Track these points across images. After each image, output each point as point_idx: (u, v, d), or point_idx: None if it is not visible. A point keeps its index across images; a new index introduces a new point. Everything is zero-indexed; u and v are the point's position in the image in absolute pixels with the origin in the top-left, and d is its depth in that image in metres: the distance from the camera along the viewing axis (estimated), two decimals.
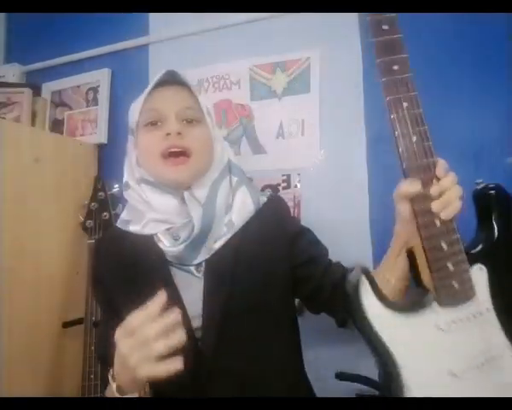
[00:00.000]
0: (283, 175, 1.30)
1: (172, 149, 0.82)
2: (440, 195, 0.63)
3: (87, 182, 1.41)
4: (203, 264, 0.84)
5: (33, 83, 1.63)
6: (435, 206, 0.62)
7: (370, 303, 0.62)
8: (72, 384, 1.30)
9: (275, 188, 1.29)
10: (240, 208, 0.88)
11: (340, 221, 1.21)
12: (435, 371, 0.61)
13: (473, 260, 0.64)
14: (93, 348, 1.23)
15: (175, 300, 0.81)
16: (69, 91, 1.60)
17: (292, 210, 1.23)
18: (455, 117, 1.14)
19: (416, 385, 0.60)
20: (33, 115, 1.57)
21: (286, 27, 1.32)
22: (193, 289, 0.83)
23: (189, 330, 0.79)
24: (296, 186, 1.29)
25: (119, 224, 0.92)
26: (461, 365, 0.60)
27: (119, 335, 0.64)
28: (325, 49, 1.28)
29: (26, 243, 1.24)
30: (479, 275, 0.63)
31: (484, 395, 0.59)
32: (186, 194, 0.85)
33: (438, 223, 0.62)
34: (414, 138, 0.62)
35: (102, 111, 1.54)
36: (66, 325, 1.33)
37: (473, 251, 0.65)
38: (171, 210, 0.85)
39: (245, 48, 1.37)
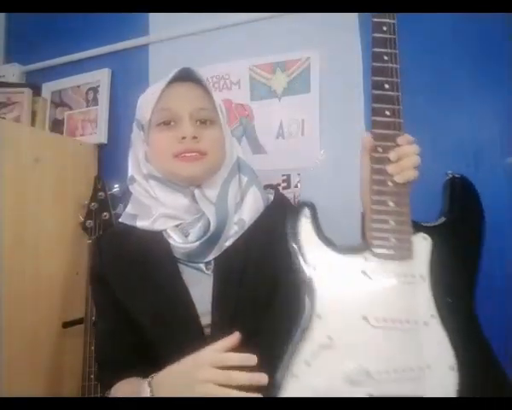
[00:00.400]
0: (283, 175, 1.30)
1: (188, 154, 0.82)
2: (398, 161, 0.65)
3: (87, 182, 1.41)
4: (212, 261, 0.84)
5: (33, 83, 1.63)
6: (391, 168, 0.66)
7: (306, 232, 0.68)
8: (72, 384, 1.30)
9: (275, 188, 1.29)
10: (250, 207, 0.88)
11: (340, 221, 1.20)
12: (350, 310, 0.63)
13: (422, 230, 0.67)
14: (93, 348, 1.23)
15: (184, 296, 0.81)
16: (69, 91, 1.60)
17: None
18: (455, 117, 1.14)
19: (326, 315, 0.63)
20: (33, 115, 1.57)
21: (286, 27, 1.32)
22: (202, 286, 0.82)
23: (199, 328, 0.79)
24: (296, 186, 1.29)
25: (123, 218, 0.91)
26: (377, 313, 0.63)
27: (202, 362, 0.66)
28: (325, 49, 1.28)
29: (26, 242, 1.24)
30: (422, 243, 0.66)
31: (390, 351, 0.61)
32: (197, 192, 0.85)
33: (390, 183, 0.66)
34: (387, 113, 0.68)
35: (102, 111, 1.54)
36: (66, 325, 1.32)
37: (426, 224, 0.68)
38: (180, 207, 0.85)
39: (245, 48, 1.37)
